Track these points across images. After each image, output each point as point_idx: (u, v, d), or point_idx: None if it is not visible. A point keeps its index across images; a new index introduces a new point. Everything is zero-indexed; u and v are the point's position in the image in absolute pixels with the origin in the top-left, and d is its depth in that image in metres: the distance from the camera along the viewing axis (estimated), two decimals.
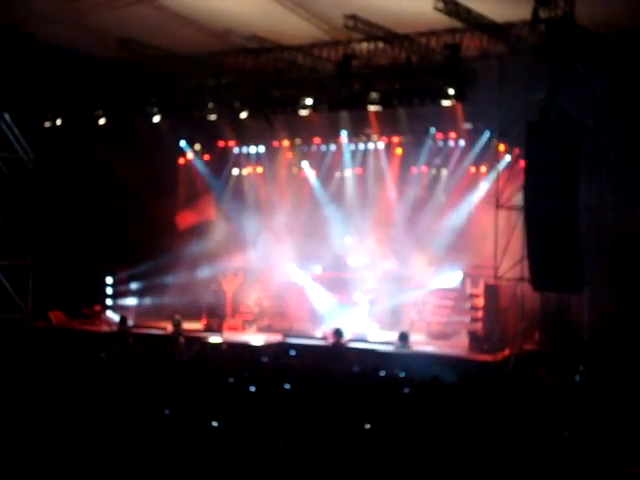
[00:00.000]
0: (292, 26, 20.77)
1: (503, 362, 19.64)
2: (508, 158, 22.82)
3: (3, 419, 11.22)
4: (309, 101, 22.74)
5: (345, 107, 23.68)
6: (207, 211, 28.54)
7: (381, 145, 26.06)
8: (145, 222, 26.43)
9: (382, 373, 16.28)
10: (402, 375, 16.59)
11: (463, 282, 24.29)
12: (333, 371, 16.38)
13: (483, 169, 24.60)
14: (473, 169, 24.89)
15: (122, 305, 26.91)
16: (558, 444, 10.65)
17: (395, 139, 25.85)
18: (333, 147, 27.00)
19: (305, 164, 27.46)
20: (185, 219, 28.15)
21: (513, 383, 16.28)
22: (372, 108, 22.41)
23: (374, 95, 21.87)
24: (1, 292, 25.15)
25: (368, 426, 11.43)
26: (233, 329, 24.61)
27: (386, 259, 25.42)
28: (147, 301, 27.35)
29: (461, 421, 11.77)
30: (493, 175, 22.80)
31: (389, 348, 21.48)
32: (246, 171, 28.48)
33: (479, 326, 22.33)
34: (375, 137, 26.03)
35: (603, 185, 20.67)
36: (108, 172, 26.63)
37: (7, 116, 25.15)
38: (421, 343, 22.33)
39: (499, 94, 20.06)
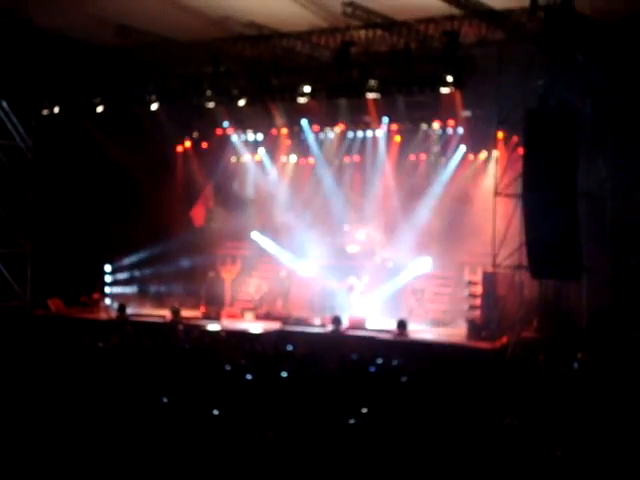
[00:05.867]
0: (290, 13, 20.71)
1: (501, 350, 19.67)
2: (507, 145, 22.81)
3: (1, 407, 11.22)
4: (307, 89, 22.70)
5: (343, 95, 23.63)
6: (209, 201, 28.60)
7: (380, 133, 26.04)
8: (144, 210, 26.43)
9: (379, 361, 16.27)
10: (400, 363, 16.59)
11: (462, 270, 24.34)
12: (332, 359, 16.37)
13: (482, 157, 24.62)
14: (471, 157, 24.91)
15: (121, 293, 26.95)
16: (556, 431, 10.67)
17: (393, 127, 25.82)
18: (331, 135, 26.98)
19: (303, 152, 27.42)
20: (200, 215, 28.22)
21: (511, 371, 16.29)
22: (370, 96, 22.40)
23: (372, 83, 21.83)
24: (0, 280, 25.12)
25: (365, 410, 11.44)
26: (232, 317, 24.65)
27: (385, 247, 25.44)
28: (146, 289, 27.39)
29: (459, 408, 11.78)
30: (492, 163, 22.79)
31: (388, 336, 21.50)
32: (244, 159, 28.46)
33: (477, 314, 22.36)
34: (374, 125, 26.00)
35: (601, 172, 20.66)
36: (106, 160, 26.65)
37: (5, 103, 25.07)
38: (420, 331, 22.37)
39: (498, 81, 20.04)
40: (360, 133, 26.55)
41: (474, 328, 21.45)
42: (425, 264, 24.30)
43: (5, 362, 14.66)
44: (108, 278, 27.10)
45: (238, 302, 26.29)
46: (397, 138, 26.01)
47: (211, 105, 24.37)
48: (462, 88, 21.32)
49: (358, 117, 26.05)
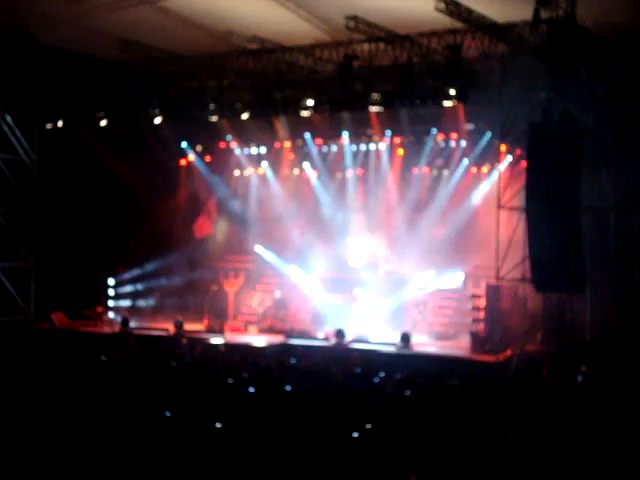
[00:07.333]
0: (293, 27, 20.79)
1: (505, 363, 19.62)
2: (510, 158, 22.84)
3: (4, 420, 11.21)
4: (310, 102, 22.76)
5: (346, 108, 23.67)
6: (212, 214, 28.62)
7: (382, 146, 26.07)
8: (147, 223, 26.45)
9: (383, 374, 16.24)
10: (404, 376, 16.54)
11: (465, 283, 24.32)
12: (335, 372, 16.35)
13: (485, 170, 24.65)
14: (475, 170, 24.94)
15: (124, 306, 26.94)
16: (560, 444, 10.64)
17: (396, 140, 25.86)
18: (335, 148, 27.02)
19: (307, 165, 27.47)
20: (203, 228, 28.22)
21: (515, 384, 16.26)
22: (373, 109, 22.43)
23: (375, 96, 21.89)
24: (3, 294, 25.11)
25: (368, 425, 11.41)
26: (235, 330, 24.61)
27: (388, 260, 25.43)
28: (149, 302, 27.40)
29: (463, 422, 11.75)
30: (495, 175, 22.80)
31: (391, 349, 21.47)
32: (247, 172, 28.51)
33: (481, 327, 22.28)
34: (376, 138, 26.05)
35: (605, 185, 20.63)
36: (110, 173, 26.70)
37: (9, 117, 25.11)
38: (423, 344, 22.32)
39: (500, 95, 20.08)
40: (363, 146, 26.59)
41: (478, 341, 21.40)
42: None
43: (9, 376, 14.66)
44: (111, 292, 27.09)
45: (241, 315, 26.30)
46: (400, 151, 26.04)
47: (214, 119, 24.42)
48: (465, 101, 21.34)
49: (361, 130, 26.10)
